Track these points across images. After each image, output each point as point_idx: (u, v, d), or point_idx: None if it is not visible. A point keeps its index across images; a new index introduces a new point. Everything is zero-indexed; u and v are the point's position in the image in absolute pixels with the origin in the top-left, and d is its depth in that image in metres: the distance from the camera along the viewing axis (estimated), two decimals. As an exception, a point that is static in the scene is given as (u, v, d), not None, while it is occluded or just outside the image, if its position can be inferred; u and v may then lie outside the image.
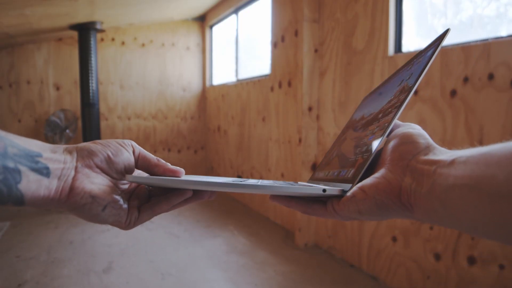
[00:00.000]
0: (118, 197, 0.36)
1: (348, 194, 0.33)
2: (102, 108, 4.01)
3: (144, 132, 4.28)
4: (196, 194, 0.40)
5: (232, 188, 0.35)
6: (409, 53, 1.77)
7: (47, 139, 3.63)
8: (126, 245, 2.48)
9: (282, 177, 2.81)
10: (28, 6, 2.38)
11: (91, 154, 0.35)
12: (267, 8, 3.20)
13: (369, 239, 2.01)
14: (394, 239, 1.84)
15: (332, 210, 0.34)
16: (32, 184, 0.30)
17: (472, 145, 1.45)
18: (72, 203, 0.33)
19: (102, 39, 3.99)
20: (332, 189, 0.35)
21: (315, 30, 2.38)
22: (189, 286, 1.93)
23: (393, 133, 0.35)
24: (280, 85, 2.82)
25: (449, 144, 1.57)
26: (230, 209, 3.38)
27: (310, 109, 2.41)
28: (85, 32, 3.40)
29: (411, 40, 1.90)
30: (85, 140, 3.51)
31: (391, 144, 0.34)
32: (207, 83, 4.50)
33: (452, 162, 0.27)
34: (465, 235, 1.51)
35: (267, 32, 3.19)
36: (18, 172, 0.29)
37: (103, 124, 4.00)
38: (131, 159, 0.39)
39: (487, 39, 1.45)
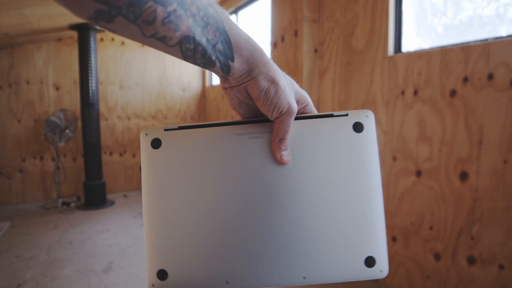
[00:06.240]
0: None
1: None
2: (102, 108, 4.01)
3: (144, 132, 4.27)
4: None
5: None
6: (409, 53, 1.77)
7: (46, 139, 3.62)
8: (126, 245, 2.48)
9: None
10: (28, 6, 2.37)
11: None
12: (267, 8, 3.20)
13: (369, 239, 2.00)
14: (394, 239, 1.84)
15: None
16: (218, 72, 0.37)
17: (472, 145, 1.44)
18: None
19: (102, 39, 3.99)
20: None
21: (314, 30, 2.38)
22: (189, 286, 1.93)
23: None
24: (280, 85, 2.81)
25: (449, 144, 1.57)
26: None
27: (310, 109, 2.41)
28: (84, 32, 3.40)
29: (411, 40, 1.90)
30: (84, 139, 3.51)
31: None
32: (207, 83, 4.50)
33: None
34: (465, 235, 1.51)
35: (267, 32, 3.19)
36: (213, 64, 0.36)
37: (102, 124, 4.00)
38: None
39: (486, 39, 1.45)
